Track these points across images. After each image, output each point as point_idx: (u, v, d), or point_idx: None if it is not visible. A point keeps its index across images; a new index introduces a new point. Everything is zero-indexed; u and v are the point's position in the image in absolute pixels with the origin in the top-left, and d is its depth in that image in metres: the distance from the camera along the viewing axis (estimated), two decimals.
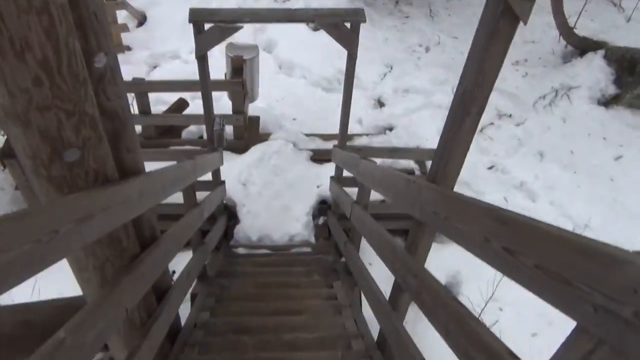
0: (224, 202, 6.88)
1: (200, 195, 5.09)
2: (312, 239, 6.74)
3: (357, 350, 3.49)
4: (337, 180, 6.43)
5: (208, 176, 6.14)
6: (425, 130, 8.48)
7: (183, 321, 4.07)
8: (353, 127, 8.84)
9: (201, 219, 4.56)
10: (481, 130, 9.01)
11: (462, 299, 6.47)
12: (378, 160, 7.11)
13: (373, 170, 3.86)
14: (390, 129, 8.75)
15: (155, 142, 7.82)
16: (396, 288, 3.12)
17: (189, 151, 6.90)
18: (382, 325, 3.35)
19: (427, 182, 2.61)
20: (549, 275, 1.30)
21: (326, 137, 8.44)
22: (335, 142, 8.19)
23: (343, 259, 5.45)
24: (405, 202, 2.83)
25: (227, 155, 7.65)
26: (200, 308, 4.33)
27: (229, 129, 7.87)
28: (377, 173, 3.71)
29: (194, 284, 4.99)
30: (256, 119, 8.28)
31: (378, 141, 8.35)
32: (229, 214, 6.94)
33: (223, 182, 6.46)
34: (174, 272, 4.98)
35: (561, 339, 1.37)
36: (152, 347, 2.74)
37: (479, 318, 1.88)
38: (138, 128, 8.12)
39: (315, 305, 4.39)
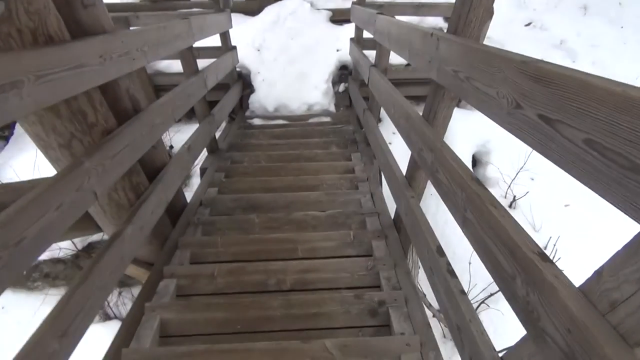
0: (238, 69, 6.43)
1: (208, 63, 4.70)
2: (332, 108, 6.32)
3: (372, 230, 3.21)
4: (357, 42, 5.84)
5: (217, 41, 5.65)
6: None
7: (190, 198, 3.87)
8: None
9: (204, 87, 4.16)
10: None
11: (492, 170, 6.15)
12: (402, 19, 6.42)
13: (389, 26, 3.30)
14: None
15: (161, 4, 7.21)
16: (412, 163, 2.75)
17: (196, 13, 6.31)
18: (397, 203, 3.04)
19: (446, 33, 2.11)
20: (607, 155, 0.89)
21: None
22: None
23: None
24: (422, 61, 2.35)
25: (239, 18, 7.05)
26: (209, 183, 4.09)
27: None
28: (393, 29, 3.16)
29: (204, 158, 4.76)
30: None
31: None
32: (244, 82, 6.51)
33: (234, 48, 5.95)
34: (171, 147, 4.71)
35: (594, 210, 0.98)
36: (140, 229, 2.50)
37: (506, 207, 1.50)
38: None
39: (331, 179, 4.09)
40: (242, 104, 6.50)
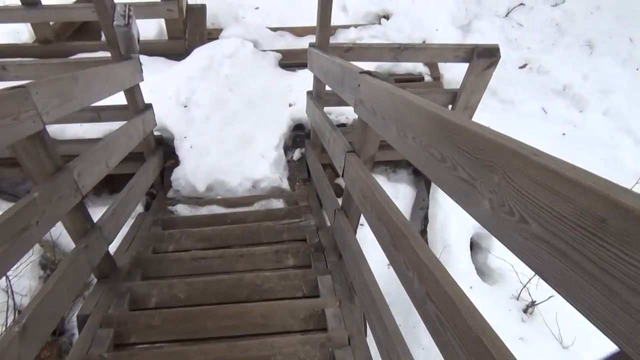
0: (156, 133, 4.75)
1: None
2: (285, 184, 4.69)
3: None
4: (317, 97, 4.28)
5: (122, 99, 3.97)
6: (434, 18, 6.19)
7: None
8: (335, 16, 6.50)
9: (73, 195, 2.47)
10: (507, 15, 6.73)
11: (495, 259, 4.60)
12: (372, 65, 4.92)
13: (397, 104, 1.69)
14: (387, 17, 6.40)
15: (56, 46, 5.44)
16: None
17: (92, 62, 4.57)
18: None
19: None
20: None
21: (300, 32, 6.14)
22: (313, 38, 5.93)
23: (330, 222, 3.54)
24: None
25: (159, 63, 5.40)
26: None
27: (150, 24, 5.58)
28: (411, 117, 1.53)
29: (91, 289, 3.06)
30: (200, 9, 5.89)
31: (369, 35, 6.06)
32: (165, 150, 4.83)
33: (147, 108, 4.28)
34: None
35: None
36: None
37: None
38: (29, 29, 5.71)
39: (289, 344, 2.44)
40: (164, 180, 4.79)
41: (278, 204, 4.39)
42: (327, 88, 4.02)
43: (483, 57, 4.01)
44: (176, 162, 4.72)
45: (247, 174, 4.59)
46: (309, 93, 4.46)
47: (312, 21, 6.13)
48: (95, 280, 3.16)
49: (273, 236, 3.73)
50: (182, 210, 4.31)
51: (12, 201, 4.73)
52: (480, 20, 6.28)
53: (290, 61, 5.65)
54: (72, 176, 2.45)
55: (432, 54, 4.19)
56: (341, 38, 6.02)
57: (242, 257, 3.38)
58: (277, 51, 5.71)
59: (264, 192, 4.60)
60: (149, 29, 5.85)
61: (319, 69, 3.74)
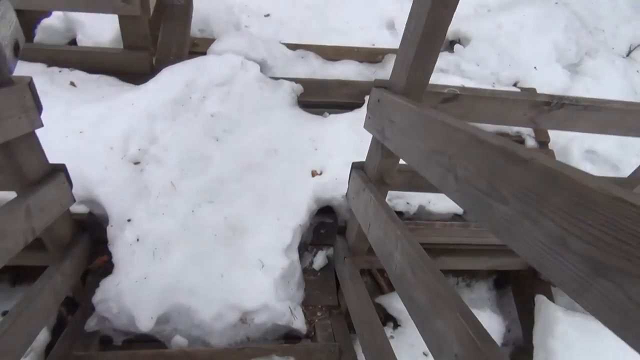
0: (79, 208, 2.72)
1: None
2: (299, 320, 2.62)
3: None
4: (379, 180, 2.24)
5: None
6: (532, 50, 4.19)
7: None
8: (378, 36, 4.59)
9: None
10: (628, 54, 4.78)
11: None
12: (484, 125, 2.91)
13: None
14: (461, 43, 4.36)
15: None
16: None
17: None
18: None
19: None
20: None
21: (331, 53, 4.12)
22: (349, 63, 3.99)
23: None
24: None
25: (102, 87, 3.41)
26: None
27: (106, 24, 3.66)
28: None
29: None
30: (182, 7, 3.87)
31: (437, 66, 4.06)
32: (91, 238, 2.79)
33: (54, 174, 2.24)
34: None
35: None
36: None
37: None
38: None
39: None
40: (85, 290, 2.73)
41: None
42: (401, 161, 2.04)
43: None
44: (109, 263, 2.66)
45: (233, 298, 2.53)
46: (356, 168, 2.43)
47: (348, 38, 4.21)
48: None
49: None
50: None
51: None
52: (594, 59, 4.29)
53: (316, 98, 3.62)
54: None
55: (606, 120, 2.17)
56: (390, 67, 4.04)
57: None
58: (295, 80, 3.67)
59: (259, 334, 2.54)
60: (104, 30, 3.82)
61: (411, 143, 1.69)
